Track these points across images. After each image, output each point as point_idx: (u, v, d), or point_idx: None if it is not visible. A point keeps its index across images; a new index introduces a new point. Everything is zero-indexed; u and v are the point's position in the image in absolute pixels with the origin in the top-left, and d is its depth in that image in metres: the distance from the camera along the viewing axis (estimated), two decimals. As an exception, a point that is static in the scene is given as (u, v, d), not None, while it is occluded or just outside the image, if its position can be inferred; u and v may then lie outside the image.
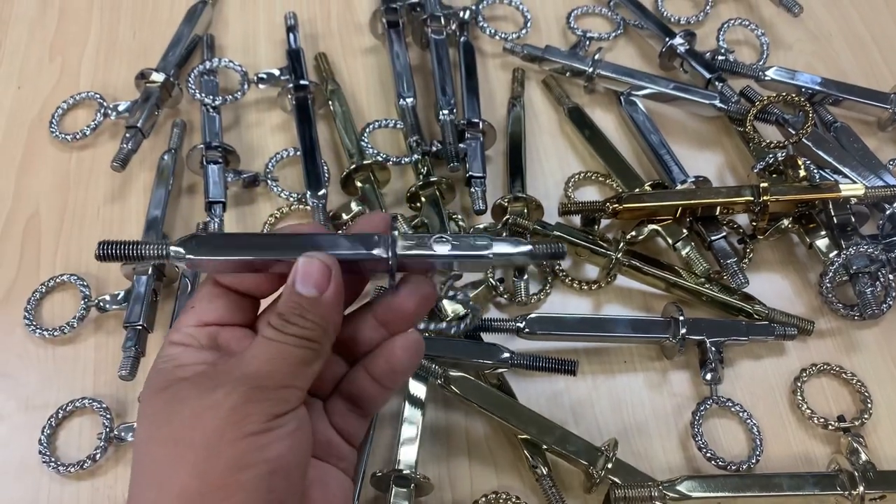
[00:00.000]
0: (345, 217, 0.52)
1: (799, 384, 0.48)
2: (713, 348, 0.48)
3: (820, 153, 0.53)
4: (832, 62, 0.62)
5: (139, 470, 0.31)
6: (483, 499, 0.44)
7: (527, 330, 0.47)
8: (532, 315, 0.48)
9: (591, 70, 0.58)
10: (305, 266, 0.31)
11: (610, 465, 0.43)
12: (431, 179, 0.52)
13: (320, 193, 0.52)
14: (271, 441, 0.29)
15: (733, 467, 0.46)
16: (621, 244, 0.50)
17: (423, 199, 0.52)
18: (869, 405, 0.47)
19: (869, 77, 0.61)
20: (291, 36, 0.61)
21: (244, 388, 0.30)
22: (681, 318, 0.48)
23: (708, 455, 0.45)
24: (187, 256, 0.32)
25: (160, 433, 0.30)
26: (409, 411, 0.45)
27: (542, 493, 0.44)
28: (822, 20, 0.64)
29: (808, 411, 0.47)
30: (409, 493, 0.42)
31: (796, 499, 0.44)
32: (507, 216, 0.52)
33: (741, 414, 0.47)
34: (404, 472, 0.43)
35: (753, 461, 0.46)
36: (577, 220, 0.54)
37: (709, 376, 0.47)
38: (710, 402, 0.47)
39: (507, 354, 0.47)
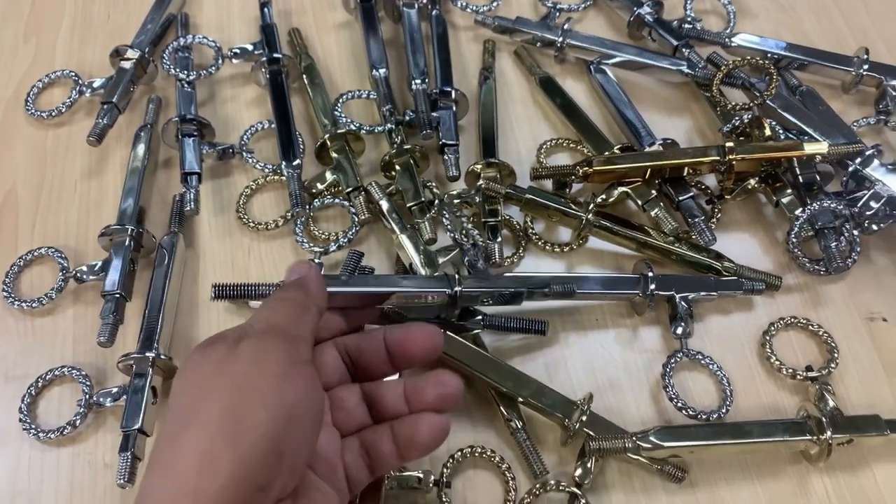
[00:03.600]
0: (319, 186, 0.53)
1: (767, 337, 0.49)
2: (682, 303, 0.49)
3: (785, 115, 0.54)
4: (798, 29, 0.63)
5: (172, 409, 0.33)
6: (458, 453, 0.45)
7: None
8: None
9: (560, 40, 0.59)
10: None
11: (585, 418, 0.44)
12: (405, 147, 0.53)
13: (295, 164, 0.53)
14: (289, 387, 0.33)
15: (704, 416, 0.47)
16: (591, 206, 0.51)
17: (397, 167, 0.53)
18: (836, 355, 0.48)
19: (833, 43, 0.62)
20: (265, 11, 0.62)
21: (263, 336, 0.34)
22: (650, 273, 0.49)
23: (679, 405, 0.46)
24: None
25: (194, 378, 0.34)
26: None
27: (516, 447, 0.45)
28: (787, -11, 0.66)
29: (777, 363, 0.48)
30: None
31: (767, 445, 0.45)
32: (480, 182, 0.52)
33: (711, 366, 0.48)
34: None
35: (724, 411, 0.47)
36: (549, 184, 0.55)
37: (679, 330, 0.48)
38: (680, 355, 0.48)
39: (479, 317, 0.47)
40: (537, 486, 0.44)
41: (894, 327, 0.50)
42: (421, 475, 0.44)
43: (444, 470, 0.45)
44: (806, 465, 0.46)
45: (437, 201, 0.52)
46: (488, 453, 0.45)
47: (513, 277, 0.49)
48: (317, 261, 0.50)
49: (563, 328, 0.50)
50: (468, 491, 0.45)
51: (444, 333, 0.46)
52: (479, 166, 0.53)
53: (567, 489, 0.44)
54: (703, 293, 0.50)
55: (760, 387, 0.49)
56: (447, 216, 0.50)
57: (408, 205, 0.51)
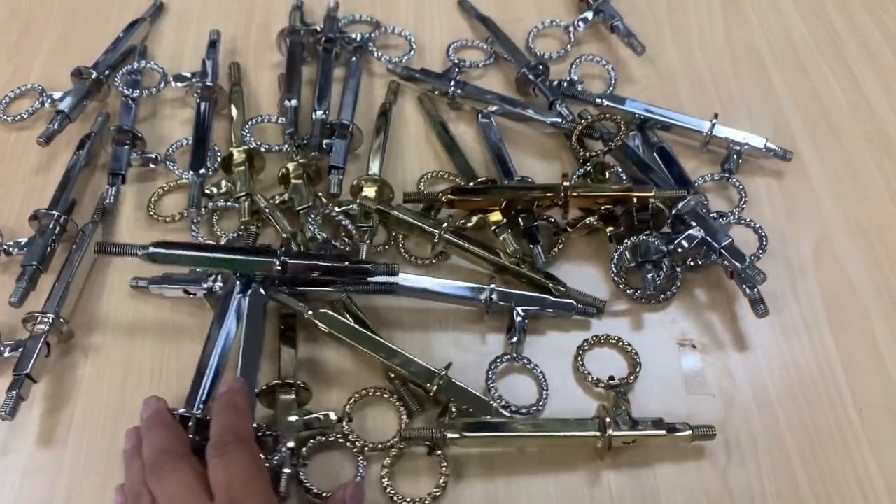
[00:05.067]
0: (215, 190, 0.62)
1: (580, 351, 0.56)
2: (518, 316, 0.56)
3: (630, 165, 0.62)
4: (673, 97, 0.71)
5: None
6: (356, 395, 0.53)
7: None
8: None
9: (451, 90, 0.68)
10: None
11: (441, 383, 0.52)
12: (301, 162, 0.62)
13: (200, 172, 0.62)
14: None
15: (524, 412, 0.53)
16: (444, 223, 0.59)
17: (292, 180, 0.62)
18: (638, 369, 0.55)
19: (702, 110, 0.69)
20: (211, 48, 0.72)
21: None
22: (491, 286, 0.56)
23: (501, 403, 0.53)
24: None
25: None
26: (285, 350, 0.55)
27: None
28: (670, 63, 0.74)
29: (585, 372, 0.55)
30: (291, 402, 0.52)
31: (560, 440, 0.51)
32: (358, 198, 0.61)
33: (535, 370, 0.55)
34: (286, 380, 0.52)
35: (537, 408, 0.53)
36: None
37: (513, 339, 0.56)
38: (505, 358, 0.55)
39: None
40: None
41: (700, 353, 0.57)
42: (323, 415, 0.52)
43: (347, 408, 0.52)
44: (598, 462, 0.52)
45: (315, 205, 0.60)
46: (380, 393, 0.53)
47: (341, 256, 0.57)
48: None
49: (411, 327, 0.58)
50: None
51: (328, 314, 0.54)
52: (361, 181, 0.62)
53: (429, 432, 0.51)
54: (537, 309, 0.57)
55: (572, 392, 0.55)
56: (312, 216, 0.59)
57: (296, 208, 0.60)
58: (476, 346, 0.57)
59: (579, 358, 0.56)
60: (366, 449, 0.51)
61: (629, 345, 0.56)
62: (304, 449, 0.51)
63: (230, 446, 0.43)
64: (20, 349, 0.54)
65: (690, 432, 0.51)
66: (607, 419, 0.51)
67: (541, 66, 0.70)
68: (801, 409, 0.54)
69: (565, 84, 0.69)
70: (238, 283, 0.54)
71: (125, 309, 0.59)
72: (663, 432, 0.51)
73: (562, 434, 0.51)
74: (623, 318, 0.59)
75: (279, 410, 0.52)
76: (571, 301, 0.57)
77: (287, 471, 0.49)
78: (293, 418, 0.51)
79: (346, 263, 0.54)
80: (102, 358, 0.56)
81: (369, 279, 0.55)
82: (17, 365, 0.53)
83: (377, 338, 0.54)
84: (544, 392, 0.54)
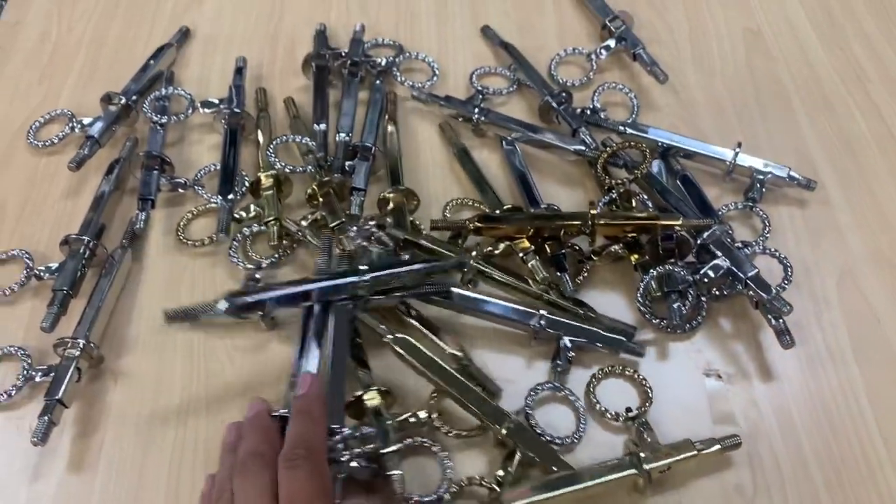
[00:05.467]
0: (243, 214, 0.63)
1: (592, 382, 0.56)
2: (566, 345, 0.56)
3: (655, 193, 0.63)
4: (694, 125, 0.72)
5: None
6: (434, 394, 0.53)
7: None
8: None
9: (476, 117, 0.69)
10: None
11: (511, 427, 0.52)
12: (325, 180, 0.63)
13: (229, 197, 0.63)
14: None
15: (558, 441, 0.53)
16: (474, 252, 0.60)
17: (320, 197, 0.63)
18: (650, 394, 0.55)
19: (724, 138, 0.70)
20: (238, 74, 0.73)
21: None
22: (542, 312, 0.56)
23: (537, 430, 0.53)
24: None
25: None
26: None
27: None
28: (692, 91, 0.75)
29: (600, 406, 0.55)
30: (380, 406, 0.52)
31: (600, 487, 0.50)
32: (385, 231, 0.61)
33: (576, 402, 0.55)
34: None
35: (575, 439, 0.53)
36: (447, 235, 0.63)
37: (559, 368, 0.56)
38: (547, 386, 0.55)
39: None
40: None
41: (726, 384, 0.57)
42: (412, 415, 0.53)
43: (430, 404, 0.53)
44: (636, 496, 0.52)
45: (345, 218, 0.61)
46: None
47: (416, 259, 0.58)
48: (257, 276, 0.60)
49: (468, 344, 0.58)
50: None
51: (408, 340, 0.54)
52: (388, 193, 0.63)
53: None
54: (585, 341, 0.57)
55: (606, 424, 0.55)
56: (352, 229, 0.60)
57: (330, 225, 0.61)
58: (519, 367, 0.58)
59: (591, 390, 0.56)
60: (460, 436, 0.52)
61: (638, 374, 0.56)
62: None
63: (299, 461, 0.44)
64: (51, 374, 0.54)
65: (718, 446, 0.52)
66: (641, 454, 0.51)
67: (564, 94, 0.70)
68: (827, 438, 0.54)
69: (588, 112, 0.69)
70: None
71: (154, 333, 0.59)
72: (694, 452, 0.51)
73: (605, 480, 0.50)
74: (649, 348, 0.59)
75: (369, 417, 0.52)
76: (622, 338, 0.57)
77: (398, 472, 0.49)
78: (388, 421, 0.52)
79: (431, 264, 0.56)
80: (132, 382, 0.57)
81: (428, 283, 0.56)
82: (49, 390, 0.53)
83: (451, 371, 0.54)
84: (582, 425, 0.54)
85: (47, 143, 0.69)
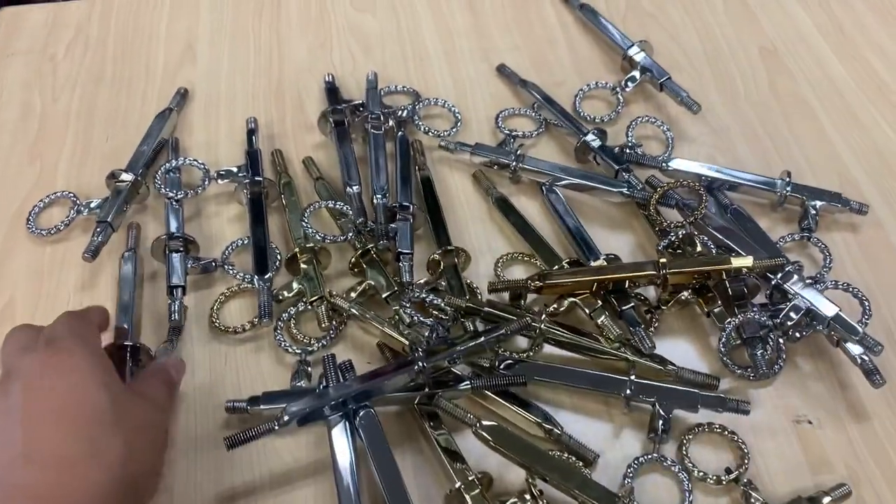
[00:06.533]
0: (286, 294, 0.59)
1: (684, 442, 0.53)
2: (661, 411, 0.53)
3: (715, 233, 0.60)
4: (730, 152, 0.70)
5: None
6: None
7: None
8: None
9: (514, 164, 0.65)
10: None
11: None
12: (368, 247, 0.59)
13: (266, 277, 0.58)
14: None
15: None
16: (543, 316, 0.56)
17: (364, 265, 0.59)
18: (745, 450, 0.52)
19: (762, 164, 0.69)
20: (251, 138, 0.69)
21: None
22: (632, 376, 0.53)
23: None
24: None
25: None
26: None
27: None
28: (721, 117, 0.73)
29: (695, 468, 0.52)
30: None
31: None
32: (445, 300, 0.58)
33: (679, 473, 0.52)
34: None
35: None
36: (505, 296, 0.60)
37: (659, 439, 0.52)
38: (647, 457, 0.52)
39: (466, 382, 0.53)
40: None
41: (818, 430, 0.55)
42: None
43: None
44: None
45: (402, 289, 0.58)
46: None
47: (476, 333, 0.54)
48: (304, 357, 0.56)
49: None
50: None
51: (499, 427, 0.50)
52: (437, 254, 0.60)
53: None
54: (684, 407, 0.53)
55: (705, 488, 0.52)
56: (407, 303, 0.57)
57: (383, 296, 0.57)
58: (607, 436, 0.55)
59: (685, 453, 0.53)
60: None
61: (722, 427, 0.54)
62: None
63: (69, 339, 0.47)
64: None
65: (829, 498, 0.50)
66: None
67: (598, 132, 0.67)
68: (928, 477, 0.53)
69: (627, 150, 0.67)
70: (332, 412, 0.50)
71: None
72: (810, 508, 0.49)
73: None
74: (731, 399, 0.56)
75: None
76: (723, 396, 0.54)
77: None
78: None
79: (496, 334, 0.53)
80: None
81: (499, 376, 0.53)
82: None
83: (552, 455, 0.50)
84: (688, 494, 0.51)
85: (52, 231, 0.64)
